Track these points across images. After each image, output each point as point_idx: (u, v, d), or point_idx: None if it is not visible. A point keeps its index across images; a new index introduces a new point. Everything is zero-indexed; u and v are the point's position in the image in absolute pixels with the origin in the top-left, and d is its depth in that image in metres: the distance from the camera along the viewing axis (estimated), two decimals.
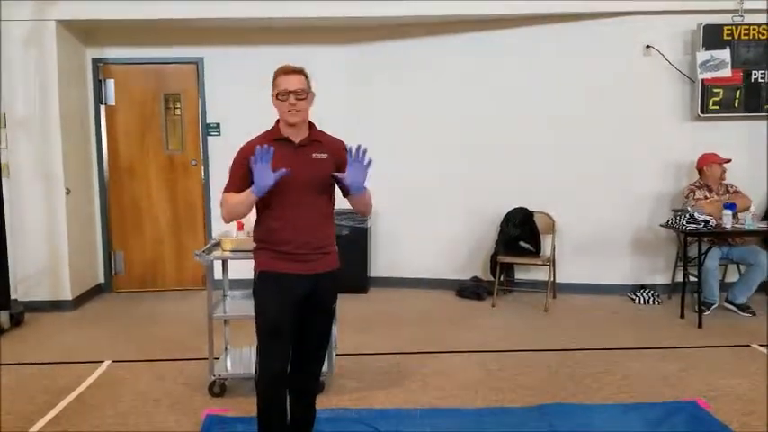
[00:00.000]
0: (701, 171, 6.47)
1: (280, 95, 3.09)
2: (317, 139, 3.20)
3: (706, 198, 6.28)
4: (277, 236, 3.14)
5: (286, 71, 3.13)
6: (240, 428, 3.85)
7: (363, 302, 6.85)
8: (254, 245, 3.27)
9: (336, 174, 3.10)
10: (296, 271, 3.13)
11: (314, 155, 3.15)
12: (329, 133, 3.30)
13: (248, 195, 3.03)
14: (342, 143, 3.26)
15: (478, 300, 6.87)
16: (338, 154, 3.19)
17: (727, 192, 6.38)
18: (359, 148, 3.02)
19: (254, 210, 3.19)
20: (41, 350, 5.47)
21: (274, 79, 3.14)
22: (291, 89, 3.08)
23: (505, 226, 6.90)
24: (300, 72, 3.14)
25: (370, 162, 3.05)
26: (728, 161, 6.36)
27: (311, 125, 3.23)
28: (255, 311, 3.21)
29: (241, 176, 3.13)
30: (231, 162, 3.21)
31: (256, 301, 3.21)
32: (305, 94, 3.11)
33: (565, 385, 4.54)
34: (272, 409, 3.21)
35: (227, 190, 3.17)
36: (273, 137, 3.17)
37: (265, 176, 2.96)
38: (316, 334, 3.28)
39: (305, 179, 3.10)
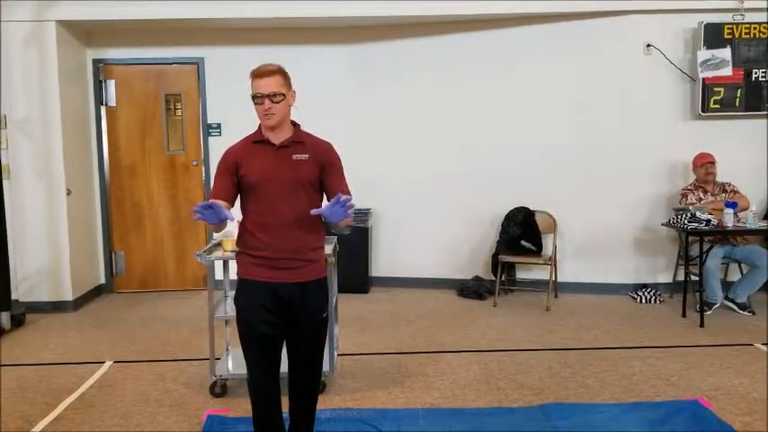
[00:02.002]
0: (695, 171, 6.49)
1: (255, 99, 3.01)
2: (299, 140, 3.12)
3: (700, 200, 6.29)
4: (255, 240, 3.08)
5: (260, 74, 3.02)
6: (241, 429, 3.85)
7: (364, 302, 6.85)
8: (236, 249, 3.21)
9: (313, 210, 2.96)
10: (274, 279, 3.07)
11: (294, 156, 3.07)
12: (325, 132, 3.26)
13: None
14: (327, 144, 3.20)
15: (480, 299, 6.86)
16: (321, 154, 3.13)
17: (724, 191, 6.37)
18: (346, 199, 2.86)
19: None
20: (42, 351, 5.47)
21: (251, 80, 3.04)
22: (265, 93, 2.99)
23: (507, 225, 6.90)
24: (276, 73, 3.03)
25: (350, 209, 2.91)
26: (711, 162, 6.34)
27: (296, 126, 3.16)
28: (237, 320, 3.15)
29: (223, 182, 3.09)
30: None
31: (237, 310, 3.15)
32: (280, 97, 3.01)
33: (566, 385, 4.53)
34: (264, 416, 3.20)
35: (210, 197, 3.12)
36: (254, 139, 3.13)
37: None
38: (308, 343, 3.20)
39: (284, 181, 3.03)
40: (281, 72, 3.06)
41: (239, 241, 3.18)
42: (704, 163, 6.36)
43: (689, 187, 6.45)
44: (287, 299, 3.09)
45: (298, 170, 3.07)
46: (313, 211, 2.97)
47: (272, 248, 3.06)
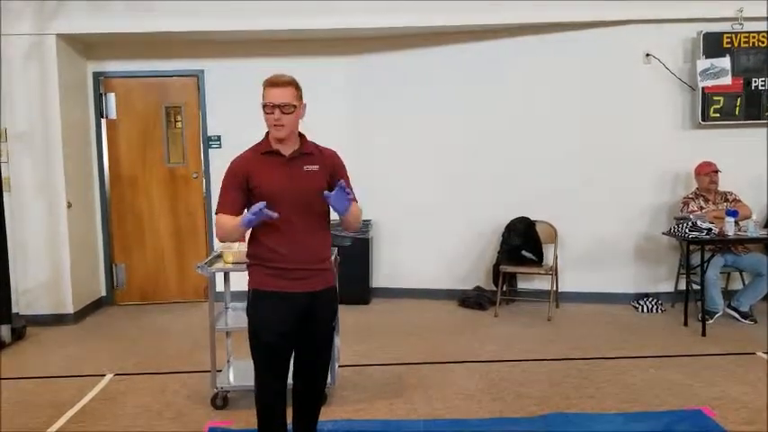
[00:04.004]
0: (698, 179, 6.48)
1: (266, 108, 3.01)
2: (307, 151, 3.14)
3: (701, 209, 6.28)
4: (270, 252, 3.08)
5: (273, 83, 3.02)
6: None
7: (365, 313, 6.84)
8: (248, 261, 3.21)
9: (325, 193, 2.97)
10: (290, 289, 3.08)
11: (305, 167, 3.09)
12: (325, 144, 3.27)
13: (237, 226, 2.99)
14: (333, 152, 3.23)
15: (481, 310, 6.85)
16: (330, 164, 3.16)
17: (726, 200, 6.37)
18: (344, 185, 2.93)
19: None
20: (43, 364, 5.46)
21: (263, 89, 3.04)
22: (277, 103, 2.99)
23: (507, 235, 6.89)
24: (289, 84, 3.04)
25: (352, 195, 2.97)
26: (715, 171, 6.34)
27: (302, 137, 3.17)
28: (249, 332, 3.16)
29: (232, 195, 3.09)
30: (222, 178, 3.17)
31: (250, 321, 3.16)
32: (292, 109, 3.02)
33: (568, 395, 4.51)
34: (271, 427, 3.20)
35: (219, 211, 3.12)
36: (263, 150, 3.13)
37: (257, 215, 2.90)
38: (316, 352, 3.23)
39: (297, 192, 3.05)
40: (294, 84, 3.07)
41: (251, 253, 3.19)
42: (709, 171, 6.35)
43: (690, 196, 6.45)
44: (300, 309, 3.10)
45: (310, 181, 3.08)
46: (325, 193, 2.96)
47: (287, 259, 3.07)
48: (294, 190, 3.05)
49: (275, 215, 2.90)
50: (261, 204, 2.86)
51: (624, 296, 6.88)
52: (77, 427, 4.18)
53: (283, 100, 3.00)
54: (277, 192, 3.02)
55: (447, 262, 7.28)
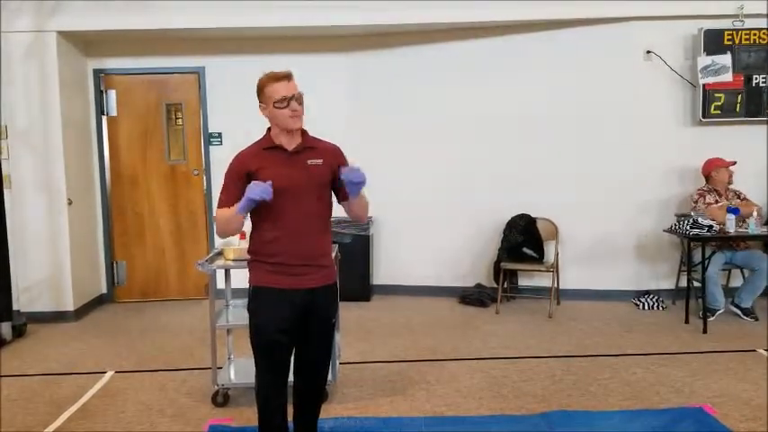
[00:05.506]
0: (708, 176, 6.43)
1: (278, 103, 3.00)
2: (310, 145, 3.14)
3: (717, 202, 6.25)
4: (271, 247, 3.08)
5: (279, 77, 3.03)
6: None
7: (366, 310, 6.83)
8: (249, 257, 3.21)
9: (341, 168, 3.02)
10: (292, 286, 3.08)
11: (309, 161, 3.09)
12: (325, 140, 3.27)
13: (234, 213, 2.98)
14: (336, 147, 3.23)
15: (482, 307, 6.85)
16: (334, 158, 3.16)
17: (737, 197, 6.35)
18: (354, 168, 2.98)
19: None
20: (44, 361, 5.46)
21: (263, 87, 3.04)
22: (290, 95, 3.01)
23: (508, 232, 6.88)
24: (293, 76, 3.06)
25: (362, 178, 3.01)
26: (734, 163, 6.34)
27: (304, 132, 3.17)
28: (250, 328, 3.16)
29: (233, 193, 3.06)
30: (224, 174, 3.16)
31: (251, 318, 3.16)
32: (302, 98, 3.05)
33: (569, 392, 4.51)
34: (271, 424, 3.20)
35: (220, 206, 3.11)
36: (265, 145, 3.12)
37: (258, 191, 2.92)
38: (316, 348, 3.23)
39: (300, 186, 3.04)
40: (293, 76, 3.09)
41: (252, 249, 3.18)
42: (727, 165, 6.30)
43: (704, 189, 6.40)
44: (301, 305, 3.10)
45: (314, 175, 3.09)
46: (341, 168, 3.01)
47: (288, 255, 3.07)
48: (298, 184, 3.05)
49: (270, 195, 2.92)
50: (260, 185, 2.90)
51: (625, 293, 6.88)
52: (78, 424, 4.17)
53: (296, 90, 3.04)
54: (281, 186, 3.01)
55: (448, 259, 7.27)
